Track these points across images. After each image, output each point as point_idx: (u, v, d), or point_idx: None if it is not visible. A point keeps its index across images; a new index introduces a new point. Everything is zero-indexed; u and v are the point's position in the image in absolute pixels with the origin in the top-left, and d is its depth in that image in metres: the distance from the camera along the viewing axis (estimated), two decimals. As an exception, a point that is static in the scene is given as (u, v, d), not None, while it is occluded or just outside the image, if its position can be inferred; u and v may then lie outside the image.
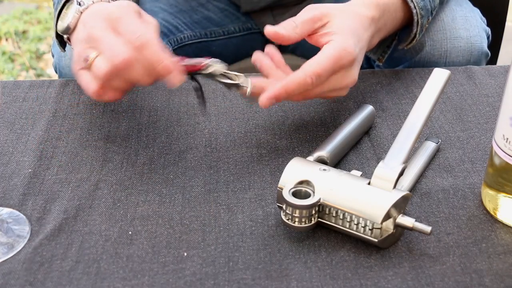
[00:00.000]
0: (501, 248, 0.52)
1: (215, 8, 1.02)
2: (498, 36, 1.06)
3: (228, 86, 0.63)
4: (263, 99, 0.60)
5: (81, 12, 0.64)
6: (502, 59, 1.09)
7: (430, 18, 0.77)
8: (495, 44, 1.04)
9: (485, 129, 0.68)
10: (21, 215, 0.56)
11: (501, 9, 1.05)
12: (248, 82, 0.62)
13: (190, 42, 0.98)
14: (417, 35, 0.75)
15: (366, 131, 0.68)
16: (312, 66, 0.60)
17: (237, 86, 0.62)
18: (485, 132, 0.68)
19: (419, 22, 0.74)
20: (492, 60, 1.06)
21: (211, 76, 0.62)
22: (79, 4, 0.64)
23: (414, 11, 0.73)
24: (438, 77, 0.57)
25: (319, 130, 0.69)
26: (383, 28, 0.71)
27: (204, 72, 0.62)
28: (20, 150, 0.66)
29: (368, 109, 0.68)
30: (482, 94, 0.75)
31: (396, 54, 0.81)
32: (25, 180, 0.61)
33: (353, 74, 0.64)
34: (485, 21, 0.91)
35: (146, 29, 0.59)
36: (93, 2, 0.65)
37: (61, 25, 0.66)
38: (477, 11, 0.90)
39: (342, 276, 0.50)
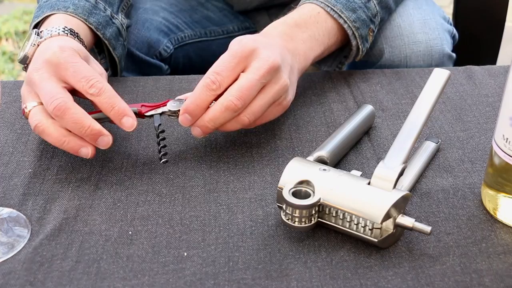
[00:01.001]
0: (501, 248, 0.52)
1: (214, 7, 1.02)
2: (498, 36, 1.06)
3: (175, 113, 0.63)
4: (180, 119, 0.61)
5: (38, 45, 0.64)
6: (501, 59, 1.09)
7: (372, 26, 0.76)
8: (495, 44, 1.04)
9: (485, 129, 0.68)
10: (21, 215, 0.56)
11: (500, 9, 1.05)
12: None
13: (191, 41, 0.98)
14: (361, 46, 0.75)
15: (366, 131, 0.68)
16: (210, 69, 0.60)
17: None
18: (485, 132, 0.68)
19: (356, 34, 0.73)
20: (492, 60, 1.06)
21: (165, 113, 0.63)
22: (38, 35, 0.65)
23: (346, 25, 0.72)
24: (438, 77, 0.57)
25: (319, 130, 0.69)
26: (312, 39, 0.70)
27: (156, 112, 0.63)
28: (20, 150, 0.65)
29: (368, 109, 0.68)
30: (482, 94, 0.75)
31: (356, 62, 0.80)
32: (25, 180, 0.61)
33: (280, 74, 0.61)
34: (450, 20, 0.90)
35: (98, 75, 0.60)
36: (50, 35, 0.65)
37: (19, 54, 0.66)
38: (438, 12, 0.89)
39: (342, 276, 0.50)
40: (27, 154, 0.65)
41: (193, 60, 0.99)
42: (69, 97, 0.58)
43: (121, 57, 0.78)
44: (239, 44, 0.61)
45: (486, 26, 0.94)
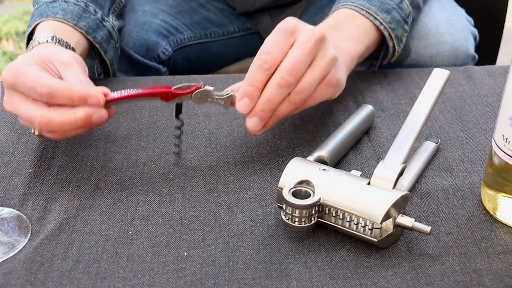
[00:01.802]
0: (500, 248, 0.52)
1: (214, 8, 1.02)
2: (498, 36, 1.06)
3: (220, 100, 0.61)
4: (238, 106, 0.59)
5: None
6: (501, 60, 1.09)
7: (406, 26, 0.76)
8: (494, 44, 1.04)
9: (484, 129, 0.68)
10: (22, 215, 0.56)
11: (500, 9, 1.05)
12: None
13: (190, 43, 0.98)
14: (397, 47, 0.75)
15: (365, 131, 0.68)
16: (259, 50, 0.60)
17: (229, 97, 0.61)
18: (485, 132, 0.68)
19: (392, 35, 0.73)
20: (492, 60, 1.06)
21: (204, 96, 0.61)
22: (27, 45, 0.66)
23: (382, 27, 0.72)
24: (438, 77, 0.57)
25: (319, 130, 0.69)
26: (352, 39, 0.70)
27: (196, 94, 0.60)
28: (20, 150, 0.65)
29: (368, 109, 0.68)
30: (481, 94, 0.75)
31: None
32: (25, 180, 0.61)
33: (327, 47, 0.60)
34: (472, 21, 0.91)
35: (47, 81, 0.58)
36: (38, 43, 0.65)
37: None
38: (462, 13, 0.90)
39: (342, 276, 0.50)
40: (27, 154, 0.65)
41: (193, 61, 0.99)
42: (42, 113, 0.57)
43: (113, 59, 0.78)
44: (283, 22, 0.60)
45: (486, 26, 0.94)
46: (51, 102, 0.57)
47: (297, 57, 0.58)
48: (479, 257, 0.51)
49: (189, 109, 0.72)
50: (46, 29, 0.69)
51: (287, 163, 0.55)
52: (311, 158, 0.58)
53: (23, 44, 2.39)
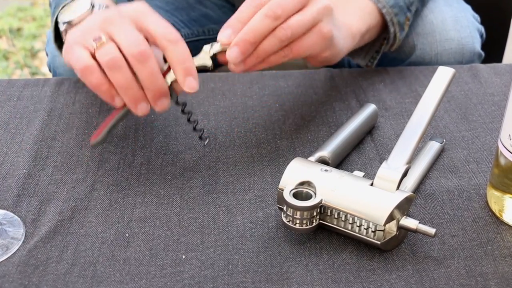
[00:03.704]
0: (507, 250, 0.52)
1: (212, 5, 1.01)
2: (504, 34, 1.06)
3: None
4: (229, 54, 0.57)
5: (93, 8, 0.63)
6: (508, 57, 1.09)
7: (409, 14, 0.76)
8: (500, 42, 1.04)
9: (490, 128, 0.68)
10: (16, 216, 0.56)
11: (506, 7, 1.04)
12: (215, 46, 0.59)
13: (188, 40, 0.97)
14: (398, 34, 0.75)
15: (368, 131, 0.68)
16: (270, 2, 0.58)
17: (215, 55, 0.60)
18: (491, 132, 0.67)
19: (394, 20, 0.73)
20: (498, 58, 1.06)
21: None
22: (92, 5, 0.64)
23: (384, 10, 0.73)
24: (443, 75, 0.57)
25: (321, 129, 0.68)
26: (356, 15, 0.69)
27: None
28: (14, 151, 0.65)
29: (371, 108, 0.67)
30: (487, 93, 0.75)
31: (386, 59, 0.80)
32: (19, 181, 0.61)
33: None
34: (479, 18, 0.91)
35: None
36: (105, 6, 0.64)
37: (64, 16, 0.64)
38: (468, 10, 0.90)
39: (344, 280, 0.49)
40: (21, 155, 0.65)
41: None
42: (151, 49, 0.56)
43: None
44: None
45: (492, 23, 0.94)
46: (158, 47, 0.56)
47: None
48: (485, 260, 0.51)
49: (187, 108, 0.71)
50: None
51: (288, 163, 0.55)
52: (312, 158, 0.58)
53: (17, 41, 2.38)
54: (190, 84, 0.56)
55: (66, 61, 0.60)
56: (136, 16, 0.57)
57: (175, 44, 0.56)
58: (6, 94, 0.75)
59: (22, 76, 2.18)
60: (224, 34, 0.58)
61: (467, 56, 0.84)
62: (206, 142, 0.62)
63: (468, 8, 0.90)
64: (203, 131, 0.62)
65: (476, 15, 0.91)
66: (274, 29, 0.58)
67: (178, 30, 0.95)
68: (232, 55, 0.57)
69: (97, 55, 0.56)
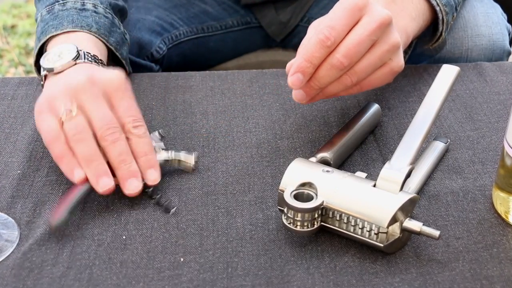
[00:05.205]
0: (513, 253, 0.52)
1: (212, 1, 1.01)
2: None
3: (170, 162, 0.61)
4: (289, 80, 0.58)
5: (78, 58, 0.63)
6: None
7: (455, 14, 0.76)
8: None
9: (496, 128, 0.68)
10: (10, 218, 0.56)
11: (513, 4, 1.04)
12: (192, 157, 0.61)
13: (186, 38, 0.97)
14: (443, 33, 0.74)
15: (371, 131, 0.67)
16: (322, 22, 0.58)
17: (179, 161, 0.61)
18: (496, 132, 0.67)
19: (444, 19, 0.73)
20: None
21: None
22: (78, 53, 0.63)
23: (438, 8, 0.72)
24: (447, 73, 0.57)
25: (322, 129, 0.68)
26: (410, 17, 0.69)
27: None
28: (8, 151, 0.65)
29: (374, 107, 0.67)
30: (493, 91, 0.74)
31: (414, 52, 0.79)
32: (13, 182, 0.60)
33: (391, 32, 0.60)
34: (506, 17, 0.91)
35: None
36: (91, 61, 0.64)
37: (52, 62, 0.64)
38: (498, 7, 0.90)
39: (346, 283, 0.49)
40: (15, 155, 0.64)
41: (188, 57, 0.99)
42: (121, 131, 0.58)
43: (129, 73, 0.78)
44: None
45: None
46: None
47: (357, 38, 0.57)
48: (490, 263, 0.51)
49: (186, 107, 0.72)
50: (88, 44, 0.67)
51: (288, 164, 0.55)
52: (313, 159, 0.58)
53: (11, 39, 2.37)
54: (151, 176, 0.57)
55: (37, 126, 0.60)
56: (109, 92, 0.59)
57: (138, 136, 0.58)
58: (0, 93, 0.75)
59: (17, 75, 2.18)
60: (296, 80, 0.58)
61: (497, 53, 0.83)
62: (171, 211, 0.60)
63: (497, 6, 0.90)
64: (170, 201, 0.59)
65: (504, 14, 0.91)
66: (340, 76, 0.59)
67: (177, 28, 0.95)
68: (298, 97, 0.61)
69: (65, 126, 0.57)
